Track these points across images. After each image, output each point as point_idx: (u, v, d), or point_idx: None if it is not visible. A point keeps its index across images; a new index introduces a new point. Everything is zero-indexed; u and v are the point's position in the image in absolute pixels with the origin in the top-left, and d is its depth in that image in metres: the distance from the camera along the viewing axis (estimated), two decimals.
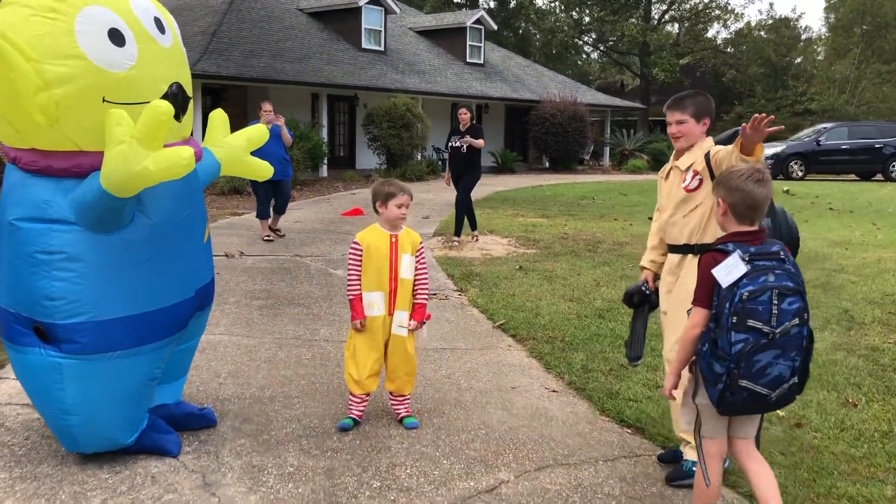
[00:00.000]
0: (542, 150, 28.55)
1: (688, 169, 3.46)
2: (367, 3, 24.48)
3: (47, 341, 3.27)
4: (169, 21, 3.56)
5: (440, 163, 25.57)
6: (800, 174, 24.46)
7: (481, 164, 10.64)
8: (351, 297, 4.05)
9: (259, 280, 7.74)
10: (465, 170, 10.43)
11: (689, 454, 3.44)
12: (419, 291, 4.13)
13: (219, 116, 4.00)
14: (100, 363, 3.32)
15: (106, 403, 3.40)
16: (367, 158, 23.26)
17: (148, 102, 3.30)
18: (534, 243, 10.39)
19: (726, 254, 2.63)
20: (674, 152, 3.61)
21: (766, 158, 24.46)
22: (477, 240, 10.45)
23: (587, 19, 46.66)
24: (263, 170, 4.08)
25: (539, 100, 27.61)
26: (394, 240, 4.05)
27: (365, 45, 24.74)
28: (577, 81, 36.89)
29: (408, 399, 4.22)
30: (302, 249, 9.65)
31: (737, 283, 2.56)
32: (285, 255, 9.29)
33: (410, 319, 4.09)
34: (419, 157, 22.92)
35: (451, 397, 4.57)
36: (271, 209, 10.40)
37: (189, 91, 3.58)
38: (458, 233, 10.52)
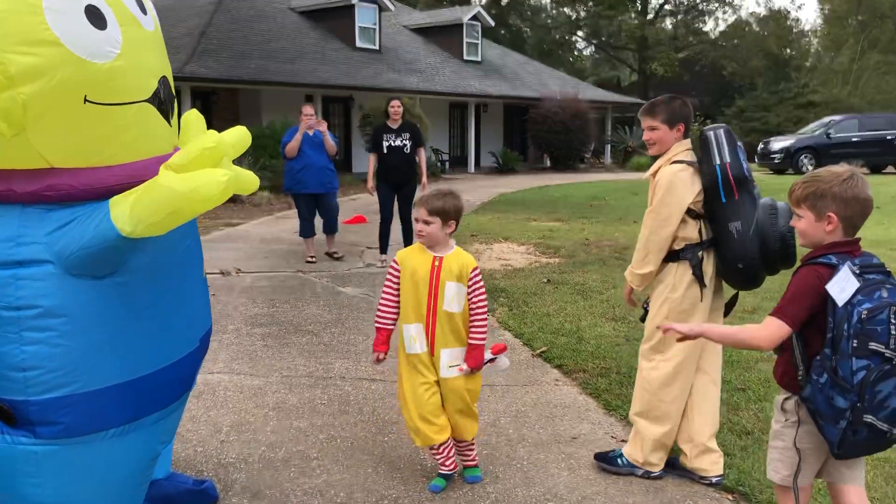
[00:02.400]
0: (543, 149, 27.77)
1: (652, 176, 3.42)
2: (361, 0, 23.65)
3: (13, 424, 2.40)
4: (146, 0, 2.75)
5: (439, 164, 24.79)
6: (810, 168, 23.76)
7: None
8: (377, 325, 3.47)
9: (260, 302, 6.92)
10: (409, 176, 8.61)
11: (626, 448, 3.56)
12: (474, 329, 3.34)
13: (194, 118, 3.17)
14: (89, 447, 2.47)
15: (98, 498, 2.57)
16: (364, 162, 22.41)
17: (137, 102, 2.51)
18: (555, 251, 9.59)
19: (831, 268, 2.28)
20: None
21: (776, 152, 23.85)
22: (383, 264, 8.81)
23: (582, 14, 45.92)
24: (250, 182, 3.23)
25: (539, 97, 26.82)
26: (437, 263, 3.31)
27: (359, 43, 23.92)
28: (576, 78, 36.13)
29: (472, 445, 3.50)
30: (304, 264, 8.83)
31: (851, 301, 2.22)
32: (287, 271, 8.47)
33: (464, 362, 3.32)
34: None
35: (502, 454, 3.77)
36: (319, 229, 9.06)
37: (173, 87, 2.79)
38: (384, 250, 8.90)
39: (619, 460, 3.58)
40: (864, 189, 2.36)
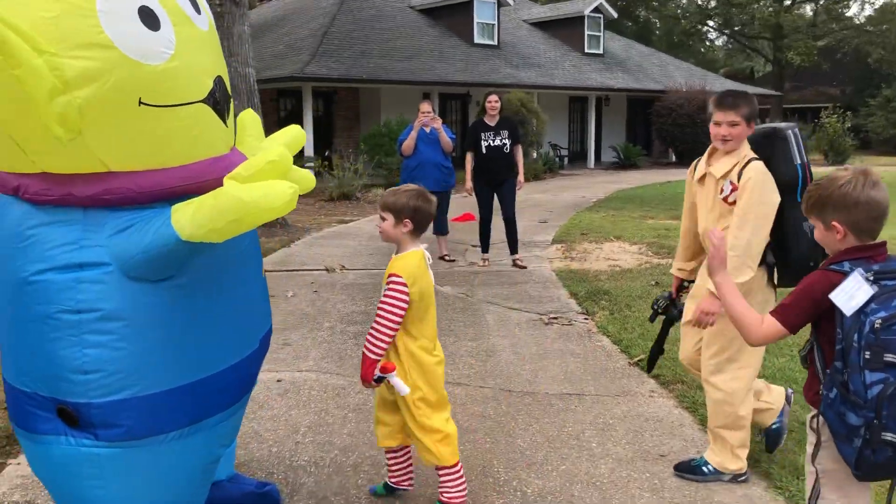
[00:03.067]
0: (667, 144, 26.79)
1: (723, 177, 3.26)
2: None
3: (77, 426, 2.41)
4: None
5: (557, 160, 24.39)
6: None
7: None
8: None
9: (358, 299, 6.93)
10: (507, 174, 8.28)
11: (708, 454, 3.44)
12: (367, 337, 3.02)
13: (250, 118, 3.13)
14: (150, 450, 2.46)
15: (158, 501, 2.57)
16: None
17: (192, 103, 2.48)
18: (669, 252, 9.14)
19: (842, 274, 2.13)
20: (708, 152, 3.40)
21: None
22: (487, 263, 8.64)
23: (713, 3, 44.04)
24: (307, 180, 3.15)
25: (664, 90, 25.88)
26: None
27: (477, 39, 23.83)
28: (704, 70, 34.68)
29: (442, 473, 3.10)
30: None
31: (863, 310, 2.06)
32: None
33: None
34: (535, 154, 21.80)
35: (581, 470, 3.54)
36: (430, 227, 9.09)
37: (229, 87, 2.74)
38: (486, 249, 8.69)
39: (704, 468, 3.43)
40: (867, 191, 2.18)
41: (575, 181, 20.59)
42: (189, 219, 2.31)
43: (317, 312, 6.47)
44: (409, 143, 8.55)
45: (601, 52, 27.82)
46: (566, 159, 25.81)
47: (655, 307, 3.71)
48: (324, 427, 4.05)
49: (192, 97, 2.50)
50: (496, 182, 8.23)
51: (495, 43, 24.31)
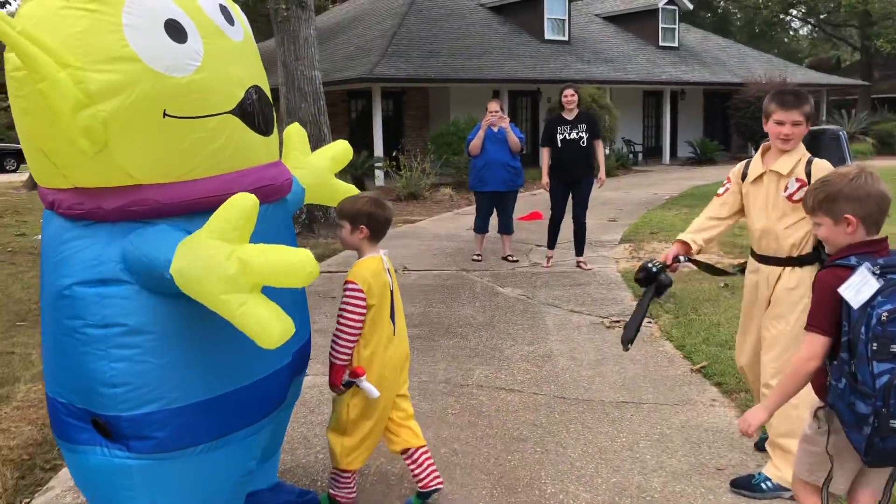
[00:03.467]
0: (746, 138, 25.89)
1: (789, 174, 3.20)
2: None
3: (111, 437, 2.43)
4: (236, 10, 2.70)
5: (631, 156, 23.91)
6: None
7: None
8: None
9: (418, 302, 6.90)
10: (585, 171, 8.02)
11: (768, 469, 3.32)
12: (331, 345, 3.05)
13: (296, 132, 3.11)
14: (180, 462, 2.47)
15: None
16: None
17: (218, 115, 2.47)
18: (741, 251, 8.80)
19: (850, 269, 2.22)
20: (760, 153, 3.35)
21: None
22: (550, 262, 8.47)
23: None
24: (351, 194, 3.13)
25: (742, 82, 25.03)
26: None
27: (548, 35, 23.55)
28: (786, 60, 33.45)
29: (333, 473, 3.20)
30: (469, 262, 8.74)
31: (870, 303, 2.13)
32: (451, 269, 8.42)
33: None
34: (607, 150, 21.40)
35: (632, 484, 3.40)
36: (494, 227, 8.85)
37: (269, 96, 2.72)
38: (552, 245, 8.48)
39: (764, 485, 3.28)
40: (876, 185, 2.31)
41: (648, 178, 20.14)
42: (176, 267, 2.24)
43: None
44: (476, 143, 8.47)
45: (676, 44, 27.12)
46: (640, 155, 25.28)
47: (644, 274, 3.35)
48: None
49: (219, 108, 2.48)
50: (572, 179, 7.99)
51: (566, 38, 23.98)
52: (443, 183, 16.29)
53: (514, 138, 8.37)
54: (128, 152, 2.32)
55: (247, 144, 2.63)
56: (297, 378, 3.01)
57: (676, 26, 27.30)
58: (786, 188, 3.21)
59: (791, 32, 51.47)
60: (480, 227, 8.80)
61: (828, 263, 2.35)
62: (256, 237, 2.33)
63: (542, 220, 11.90)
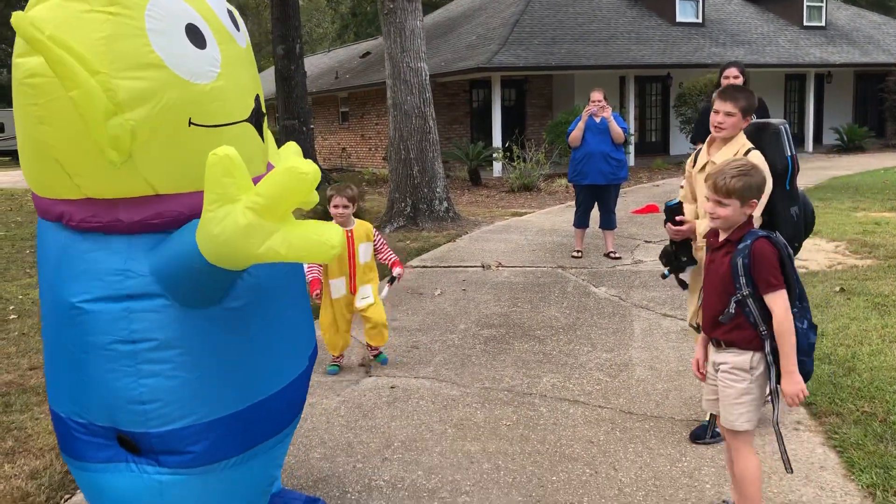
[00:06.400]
0: None
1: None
2: None
3: (138, 453, 2.38)
4: (237, 15, 2.63)
5: None
6: None
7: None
8: (309, 278, 4.67)
9: (503, 300, 6.68)
10: None
11: None
12: (389, 258, 5.01)
13: (293, 151, 3.05)
14: (211, 476, 2.42)
15: None
16: (682, 144, 21.15)
17: (239, 123, 2.41)
18: (870, 250, 8.00)
19: (768, 238, 2.75)
20: (707, 143, 3.75)
21: None
22: None
23: None
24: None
25: None
26: (349, 234, 4.80)
27: (679, 18, 22.45)
28: None
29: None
30: (568, 259, 8.41)
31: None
32: (547, 265, 8.13)
33: (394, 268, 4.97)
34: None
35: None
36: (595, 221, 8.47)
37: (263, 105, 2.63)
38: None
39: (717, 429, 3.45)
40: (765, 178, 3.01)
41: None
42: (202, 241, 2.19)
43: (457, 313, 6.32)
44: (576, 134, 8.16)
45: (823, 24, 25.17)
46: None
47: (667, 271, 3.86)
48: (418, 443, 3.86)
49: (239, 116, 2.44)
50: None
51: (699, 21, 22.78)
52: (558, 174, 15.88)
53: (616, 128, 7.98)
54: (152, 162, 2.26)
55: (258, 151, 2.57)
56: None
57: (823, 4, 25.33)
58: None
59: None
60: (580, 221, 8.45)
61: (755, 238, 2.74)
62: None
63: (659, 212, 11.35)
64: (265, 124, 2.64)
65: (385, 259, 4.97)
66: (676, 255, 3.75)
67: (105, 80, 2.14)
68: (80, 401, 2.41)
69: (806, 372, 2.75)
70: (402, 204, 10.96)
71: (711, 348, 2.95)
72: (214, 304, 2.37)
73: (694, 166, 3.83)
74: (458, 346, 5.42)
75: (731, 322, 2.79)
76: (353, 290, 4.84)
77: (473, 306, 6.52)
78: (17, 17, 2.08)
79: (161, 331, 2.30)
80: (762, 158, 3.45)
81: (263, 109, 2.61)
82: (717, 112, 3.57)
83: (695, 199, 3.83)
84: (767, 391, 2.81)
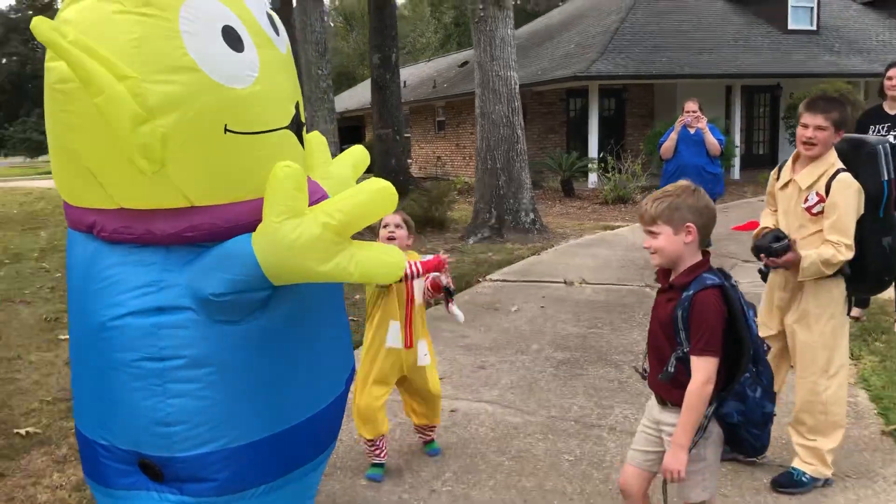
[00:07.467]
0: None
1: (809, 188, 3.27)
2: None
3: (161, 480, 2.25)
4: (276, 19, 2.47)
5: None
6: None
7: None
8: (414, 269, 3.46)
9: (583, 319, 6.36)
10: None
11: (798, 463, 3.42)
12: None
13: (317, 140, 2.79)
14: None
15: None
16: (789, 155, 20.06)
17: (278, 130, 2.27)
18: None
19: (720, 288, 2.36)
20: (792, 158, 3.43)
21: None
22: None
23: None
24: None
25: None
26: (411, 264, 3.37)
27: (791, 25, 21.36)
28: None
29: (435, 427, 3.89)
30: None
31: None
32: (633, 284, 7.73)
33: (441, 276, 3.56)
34: None
35: None
36: None
37: (302, 114, 2.46)
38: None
39: (803, 478, 3.40)
40: (709, 200, 2.48)
41: None
42: (262, 255, 2.12)
43: (532, 332, 6.04)
44: (668, 146, 7.81)
45: None
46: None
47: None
48: (471, 475, 3.63)
49: (278, 123, 2.28)
50: None
51: (814, 28, 21.62)
52: (655, 185, 15.30)
53: (712, 140, 7.56)
54: (186, 172, 2.13)
55: (298, 160, 2.40)
56: None
57: None
58: (806, 200, 3.27)
59: None
60: None
61: (701, 287, 2.36)
62: None
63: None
64: (304, 132, 2.48)
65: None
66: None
67: (134, 85, 2.01)
68: (103, 422, 2.29)
69: (761, 445, 2.51)
70: (487, 215, 10.75)
71: (654, 402, 2.58)
72: (244, 321, 2.22)
73: (778, 180, 3.54)
74: (528, 369, 5.14)
75: (672, 381, 2.42)
76: (408, 343, 3.52)
77: (550, 325, 6.22)
78: (36, 22, 2.00)
79: (191, 348, 2.15)
80: (852, 182, 3.17)
81: (303, 119, 2.45)
82: (805, 126, 3.25)
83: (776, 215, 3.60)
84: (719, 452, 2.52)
